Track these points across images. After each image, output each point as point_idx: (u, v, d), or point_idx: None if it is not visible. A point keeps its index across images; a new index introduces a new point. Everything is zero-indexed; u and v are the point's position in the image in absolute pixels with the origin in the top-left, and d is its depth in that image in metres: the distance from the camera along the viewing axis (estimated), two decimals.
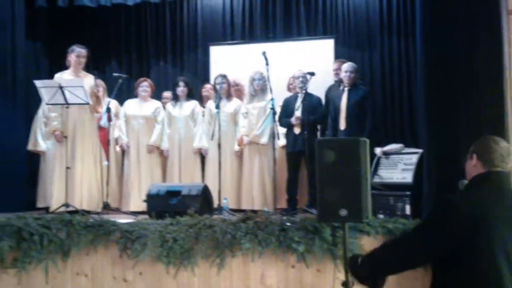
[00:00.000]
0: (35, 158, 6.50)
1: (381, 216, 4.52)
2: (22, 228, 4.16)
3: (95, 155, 5.71)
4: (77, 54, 5.72)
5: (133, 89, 6.64)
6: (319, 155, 3.41)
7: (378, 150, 4.98)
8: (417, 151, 4.79)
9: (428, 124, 4.85)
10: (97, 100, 5.74)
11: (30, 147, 6.31)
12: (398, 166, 4.75)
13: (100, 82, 6.41)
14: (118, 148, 6.39)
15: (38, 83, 5.34)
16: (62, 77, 5.66)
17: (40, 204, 6.15)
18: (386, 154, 4.92)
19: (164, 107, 6.55)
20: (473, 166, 2.53)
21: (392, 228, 3.87)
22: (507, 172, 2.48)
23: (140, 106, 6.36)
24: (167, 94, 6.96)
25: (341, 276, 3.36)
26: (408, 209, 4.45)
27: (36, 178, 6.33)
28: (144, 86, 6.39)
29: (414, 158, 4.71)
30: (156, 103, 6.46)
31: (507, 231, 2.33)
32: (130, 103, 6.43)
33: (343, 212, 3.31)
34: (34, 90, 5.49)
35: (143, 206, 5.12)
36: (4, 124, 6.27)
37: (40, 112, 6.28)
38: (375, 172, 4.82)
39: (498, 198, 2.41)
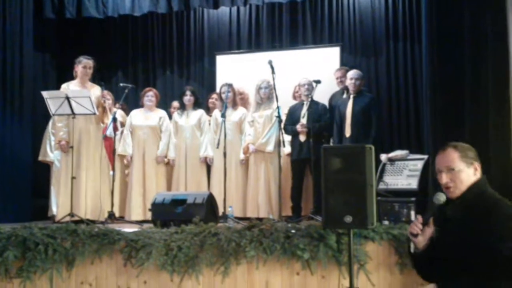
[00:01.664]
0: (43, 169, 6.52)
1: (386, 222, 4.49)
2: (27, 238, 4.17)
3: (101, 165, 5.72)
4: (83, 65, 5.76)
5: (139, 99, 6.67)
6: (324, 162, 3.41)
7: (383, 157, 4.96)
8: (422, 157, 4.77)
9: (434, 130, 4.83)
10: (104, 111, 5.75)
11: (40, 157, 6.41)
12: (403, 172, 4.73)
13: (108, 93, 6.46)
14: (125, 161, 6.42)
15: (44, 94, 5.37)
16: (68, 87, 5.70)
17: (51, 213, 6.17)
18: (391, 160, 4.90)
19: (171, 117, 6.57)
20: (473, 173, 2.57)
21: (397, 234, 3.83)
22: None
23: (146, 116, 6.38)
24: (176, 103, 6.98)
25: (346, 283, 3.35)
26: (413, 215, 4.43)
27: (43, 189, 6.35)
28: (150, 95, 6.42)
29: (419, 164, 4.69)
30: (161, 113, 6.48)
31: None
32: (135, 113, 6.46)
33: (348, 219, 3.30)
34: (41, 102, 5.53)
35: (148, 215, 5.10)
36: (11, 136, 6.34)
37: (50, 123, 6.33)
38: (380, 178, 4.80)
39: None
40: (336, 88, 6.72)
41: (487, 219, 2.43)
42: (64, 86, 5.77)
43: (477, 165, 2.59)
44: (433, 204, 2.69)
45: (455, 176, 2.57)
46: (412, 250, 2.71)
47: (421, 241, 2.63)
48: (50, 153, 6.35)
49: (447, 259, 2.55)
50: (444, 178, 2.61)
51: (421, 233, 2.62)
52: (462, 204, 2.59)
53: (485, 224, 2.43)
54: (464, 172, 2.57)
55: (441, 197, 2.64)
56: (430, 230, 2.64)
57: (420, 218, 2.66)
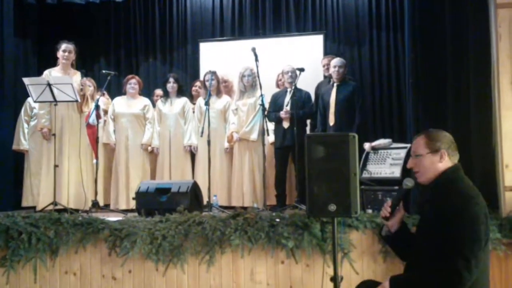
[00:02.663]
0: (20, 158, 6.42)
1: (369, 211, 4.54)
2: (10, 227, 4.14)
3: (83, 153, 5.66)
4: (63, 49, 5.67)
5: (122, 86, 6.60)
6: (308, 150, 3.41)
7: (366, 145, 4.99)
8: (405, 146, 4.80)
9: (416, 119, 4.89)
10: (83, 98, 5.67)
11: (14, 146, 6.20)
12: (387, 161, 4.77)
13: (90, 80, 6.38)
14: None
15: (26, 80, 5.28)
16: (50, 74, 5.62)
17: (25, 203, 6.04)
18: (375, 149, 4.93)
19: (154, 104, 6.53)
20: (440, 161, 2.60)
21: (380, 223, 3.86)
22: None
23: (129, 104, 6.34)
24: (158, 91, 6.94)
25: (330, 271, 3.38)
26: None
27: (22, 178, 6.26)
28: (132, 83, 6.37)
29: (402, 153, 4.72)
30: (145, 100, 6.44)
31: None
32: (118, 101, 6.41)
33: (332, 207, 3.31)
34: (22, 89, 5.44)
35: (132, 204, 5.08)
36: None
37: (22, 111, 6.21)
38: (363, 167, 4.83)
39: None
40: (319, 76, 6.74)
41: (444, 218, 2.46)
42: (46, 72, 5.68)
43: (445, 152, 2.62)
44: (401, 188, 2.84)
45: (419, 162, 2.67)
46: (383, 233, 2.88)
47: (393, 224, 2.77)
48: (24, 141, 6.16)
49: (417, 243, 2.66)
50: (410, 163, 2.75)
51: (390, 216, 2.76)
52: (432, 191, 2.67)
53: (441, 224, 2.47)
54: (427, 158, 2.63)
55: (409, 182, 2.78)
56: (400, 214, 2.75)
57: (389, 201, 2.80)
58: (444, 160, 2.61)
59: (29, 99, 5.99)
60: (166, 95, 6.50)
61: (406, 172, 4.55)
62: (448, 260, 2.39)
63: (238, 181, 6.08)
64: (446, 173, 2.61)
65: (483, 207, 2.47)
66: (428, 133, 2.70)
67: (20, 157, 6.35)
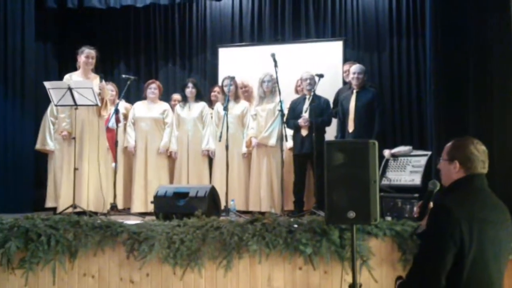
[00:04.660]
0: (42, 159, 6.47)
1: (388, 218, 4.49)
2: (30, 229, 4.16)
3: (102, 157, 5.69)
4: (86, 54, 5.73)
5: (141, 90, 6.66)
6: (327, 157, 3.39)
7: (386, 152, 4.95)
8: (426, 153, 4.75)
9: (438, 125, 4.83)
10: (102, 102, 5.70)
11: (38, 146, 6.24)
12: (407, 168, 4.72)
13: (112, 85, 6.45)
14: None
15: (47, 84, 5.34)
16: (71, 78, 5.67)
17: (49, 204, 6.11)
18: (394, 156, 4.89)
19: (173, 109, 6.56)
20: (453, 170, 2.62)
21: (400, 230, 3.83)
22: (484, 174, 2.63)
23: (149, 108, 6.38)
24: (176, 96, 6.98)
25: (349, 279, 3.35)
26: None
27: (43, 179, 6.30)
28: (153, 88, 6.42)
29: (422, 161, 4.67)
30: (165, 105, 6.48)
31: (493, 233, 2.43)
32: (138, 105, 6.46)
33: (351, 214, 3.29)
34: (43, 92, 5.51)
35: (149, 207, 5.09)
36: (13, 125, 6.34)
37: (48, 111, 6.27)
38: (383, 174, 4.79)
39: (482, 200, 2.53)
40: (338, 82, 6.73)
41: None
42: (67, 76, 5.74)
43: (457, 163, 2.61)
44: (428, 189, 2.92)
45: (441, 166, 2.73)
46: (418, 231, 2.91)
47: (425, 223, 2.76)
48: (50, 141, 6.20)
49: None
50: (438, 164, 2.80)
51: (421, 216, 2.85)
52: (443, 196, 2.71)
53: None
54: (445, 165, 2.68)
55: (432, 185, 2.88)
56: None
57: (419, 203, 2.93)
58: (457, 171, 2.61)
59: None
60: (184, 99, 6.52)
61: (428, 179, 4.52)
62: (410, 273, 2.54)
63: (255, 186, 6.08)
64: (455, 182, 2.63)
65: (460, 219, 2.39)
66: (454, 141, 2.71)
67: (40, 158, 6.41)
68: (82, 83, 5.43)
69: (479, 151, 2.62)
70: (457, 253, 2.36)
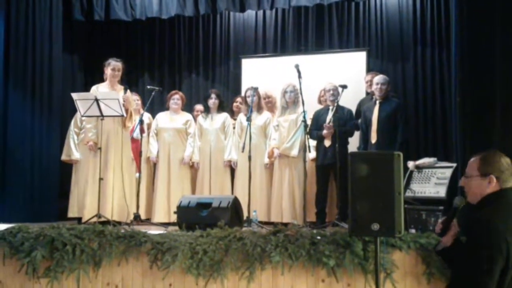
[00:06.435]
0: (67, 169, 6.55)
1: (413, 230, 4.44)
2: (55, 238, 4.21)
3: (126, 167, 5.76)
4: (112, 67, 5.83)
5: (165, 101, 6.72)
6: (351, 168, 3.38)
7: (410, 164, 4.90)
8: (451, 165, 4.70)
9: (463, 137, 4.76)
10: (127, 113, 5.76)
11: (63, 157, 6.30)
12: (431, 180, 4.67)
13: (136, 95, 6.52)
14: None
15: (74, 95, 5.44)
16: (98, 89, 5.78)
17: (71, 214, 6.13)
18: (419, 168, 4.85)
19: (195, 120, 6.61)
20: (488, 185, 2.59)
21: (424, 243, 3.77)
22: None
23: (171, 119, 6.44)
24: (199, 106, 7.02)
25: None
26: None
27: (67, 189, 6.35)
28: (176, 98, 6.48)
29: (447, 173, 4.62)
30: (187, 116, 6.53)
31: None
32: (161, 116, 6.52)
33: (375, 227, 3.27)
34: (70, 104, 5.60)
35: (172, 218, 5.11)
36: (40, 137, 6.46)
37: (72, 123, 6.35)
38: (407, 186, 4.75)
39: None
40: (361, 92, 6.69)
41: (467, 243, 2.58)
42: (93, 88, 5.85)
43: (493, 177, 2.61)
44: (453, 206, 2.93)
45: (468, 182, 2.72)
46: (438, 248, 3.00)
47: (447, 240, 2.86)
48: (76, 152, 6.20)
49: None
50: (461, 182, 2.81)
51: (443, 232, 2.90)
52: (474, 212, 2.68)
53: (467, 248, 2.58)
54: (475, 181, 2.66)
55: (458, 201, 2.89)
56: (454, 230, 2.78)
57: (442, 218, 2.96)
58: (492, 185, 2.59)
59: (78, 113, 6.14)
60: (207, 110, 6.56)
61: (453, 191, 4.46)
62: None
63: (277, 197, 6.07)
64: (489, 196, 2.61)
65: (506, 231, 2.43)
66: (483, 156, 2.68)
67: (66, 169, 6.50)
68: (109, 94, 5.52)
69: (509, 164, 2.62)
70: (504, 266, 2.36)
